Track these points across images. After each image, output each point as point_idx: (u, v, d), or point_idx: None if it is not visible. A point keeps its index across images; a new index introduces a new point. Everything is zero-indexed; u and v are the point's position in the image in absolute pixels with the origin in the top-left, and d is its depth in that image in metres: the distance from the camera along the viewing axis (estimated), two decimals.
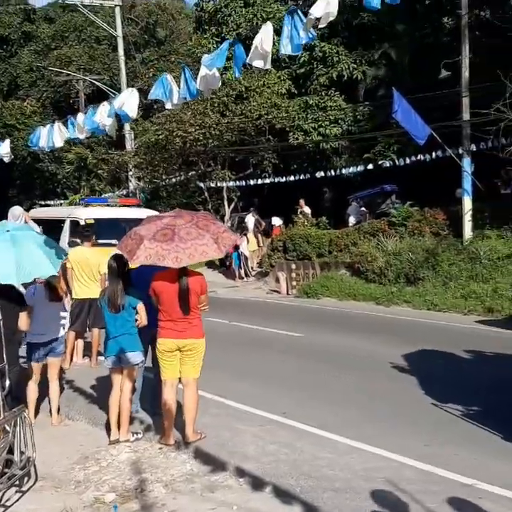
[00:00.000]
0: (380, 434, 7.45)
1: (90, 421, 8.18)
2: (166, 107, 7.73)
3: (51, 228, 15.10)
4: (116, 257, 7.40)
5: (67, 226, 16.44)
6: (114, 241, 14.46)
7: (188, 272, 6.96)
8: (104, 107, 7.80)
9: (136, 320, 7.29)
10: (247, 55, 6.32)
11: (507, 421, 7.79)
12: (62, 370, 9.25)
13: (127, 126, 30.12)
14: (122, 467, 6.61)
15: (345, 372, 10.78)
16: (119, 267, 7.31)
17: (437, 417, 8.20)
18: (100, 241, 13.91)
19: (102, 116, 7.77)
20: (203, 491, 5.94)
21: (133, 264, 7.04)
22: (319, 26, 6.16)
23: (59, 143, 8.89)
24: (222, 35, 29.77)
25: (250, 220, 28.20)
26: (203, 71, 6.90)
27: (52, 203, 39.20)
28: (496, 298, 17.34)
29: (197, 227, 6.85)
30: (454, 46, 21.29)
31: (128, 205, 18.50)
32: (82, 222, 15.86)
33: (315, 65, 28.02)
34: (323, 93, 27.72)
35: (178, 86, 7.31)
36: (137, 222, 15.07)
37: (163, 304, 6.94)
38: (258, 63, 6.26)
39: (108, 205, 18.31)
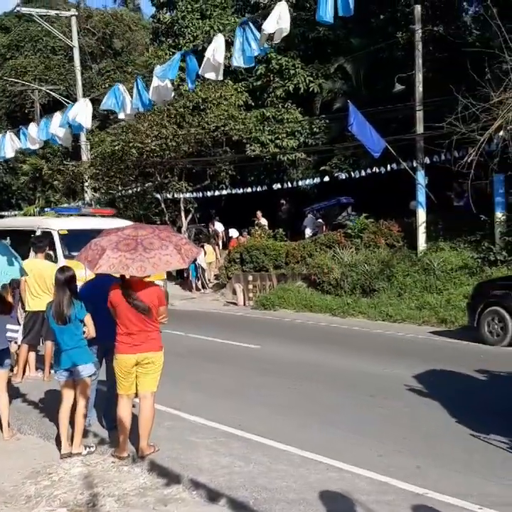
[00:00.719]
0: (334, 445, 7.47)
1: (43, 435, 8.05)
2: (119, 117, 7.71)
3: (19, 240, 14.48)
4: (63, 269, 7.37)
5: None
6: None
7: (145, 283, 6.90)
8: (57, 118, 7.74)
9: (84, 332, 7.22)
10: (200, 67, 6.34)
11: (458, 432, 7.90)
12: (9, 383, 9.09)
13: (83, 137, 29.89)
14: (74, 481, 6.50)
15: (301, 383, 10.80)
16: (65, 279, 7.23)
17: (391, 427, 8.27)
18: (74, 254, 13.36)
19: (56, 126, 7.71)
20: (155, 504, 5.89)
21: (95, 272, 6.94)
22: (274, 42, 6.22)
23: (10, 153, 8.81)
24: (179, 46, 29.78)
25: (219, 226, 28.59)
26: (156, 82, 6.90)
27: (6, 213, 38.63)
28: (450, 309, 17.59)
29: (159, 238, 6.83)
30: (407, 61, 21.62)
31: (102, 216, 17.77)
32: (54, 234, 15.17)
33: (272, 78, 28.22)
34: (280, 105, 27.90)
35: (132, 96, 7.29)
36: None
37: (119, 316, 6.86)
38: (210, 75, 6.30)
39: (82, 215, 17.51)
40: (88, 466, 6.91)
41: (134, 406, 7.34)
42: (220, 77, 6.18)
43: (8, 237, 15.59)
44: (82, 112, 7.76)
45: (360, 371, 11.70)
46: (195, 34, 30.31)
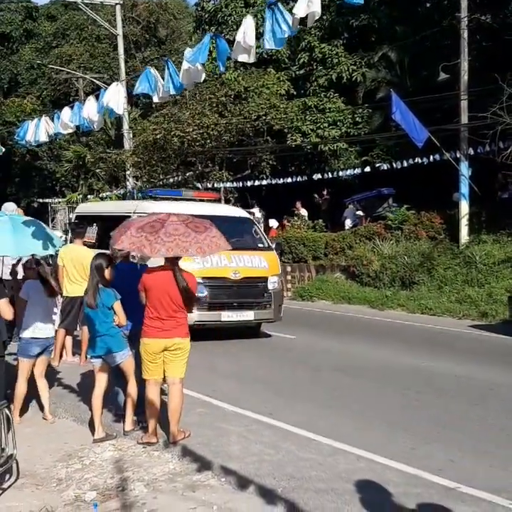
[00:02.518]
0: (365, 436, 7.40)
1: (76, 419, 8.13)
2: (153, 100, 7.70)
3: (110, 227, 13.36)
4: (96, 256, 7.46)
5: None
6: None
7: (181, 270, 6.93)
8: (90, 103, 7.76)
9: (114, 320, 7.26)
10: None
11: (494, 426, 7.78)
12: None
13: (126, 125, 30.08)
14: (105, 465, 6.55)
15: (335, 374, 10.75)
16: (95, 266, 7.26)
17: (424, 419, 8.18)
18: None
19: (90, 111, 7.73)
20: (184, 490, 5.89)
21: (116, 247, 6.98)
22: (308, 25, 6.14)
23: (43, 137, 8.85)
24: (222, 34, 29.72)
25: (257, 211, 28.41)
26: (186, 65, 6.86)
27: (50, 201, 39.17)
28: (491, 303, 17.32)
29: (187, 226, 6.83)
30: (452, 49, 21.25)
31: (206, 200, 16.03)
32: None
33: (314, 67, 27.96)
34: (322, 95, 27.64)
35: (164, 80, 7.28)
36: (226, 221, 13.38)
37: (151, 300, 6.88)
38: (243, 57, 6.24)
39: (183, 199, 15.32)
40: (119, 450, 6.95)
41: (163, 393, 7.36)
42: (252, 59, 6.12)
43: (94, 224, 15.07)
44: (114, 98, 7.77)
45: (396, 363, 11.58)
46: (238, 22, 30.19)
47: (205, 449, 6.86)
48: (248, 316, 13.41)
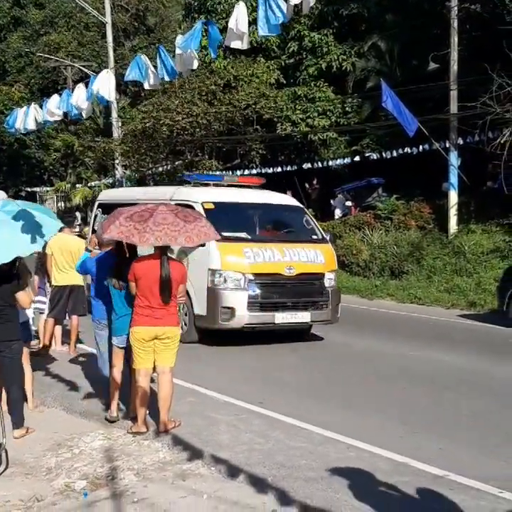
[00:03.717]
0: (354, 424, 7.43)
1: (65, 408, 8.10)
2: (145, 87, 7.66)
3: None
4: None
5: None
6: (243, 234, 12.18)
7: (170, 259, 6.94)
8: (79, 90, 7.70)
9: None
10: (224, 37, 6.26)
11: (484, 415, 7.83)
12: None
13: (114, 114, 29.93)
14: (95, 455, 6.53)
15: (323, 363, 10.79)
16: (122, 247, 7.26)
17: (412, 408, 8.22)
18: (225, 234, 10.75)
19: (79, 98, 7.67)
20: (174, 479, 5.89)
21: (105, 236, 6.96)
22: (302, 13, 6.12)
23: (32, 125, 8.78)
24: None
25: None
26: (179, 51, 6.84)
27: (38, 189, 38.99)
28: (479, 292, 17.39)
29: (176, 215, 6.84)
30: (443, 39, 21.23)
31: (250, 186, 14.03)
32: (198, 208, 11.29)
33: (304, 56, 27.87)
34: (312, 84, 27.58)
35: (155, 67, 7.24)
36: (276, 209, 13.09)
37: (141, 289, 6.86)
38: (236, 44, 6.24)
39: (228, 185, 13.67)
40: (109, 439, 6.93)
41: (152, 381, 7.35)
42: (246, 46, 6.12)
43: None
44: (104, 85, 7.72)
45: (385, 352, 11.63)
46: (228, 11, 30.03)
47: (195, 438, 6.86)
48: (304, 317, 11.86)
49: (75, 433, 7.14)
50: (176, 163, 29.47)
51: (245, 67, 27.54)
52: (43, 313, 11.18)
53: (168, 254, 6.98)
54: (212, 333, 11.77)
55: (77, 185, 34.76)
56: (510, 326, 13.97)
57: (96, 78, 7.39)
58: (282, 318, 11.62)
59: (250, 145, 28.29)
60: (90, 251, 8.47)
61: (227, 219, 11.79)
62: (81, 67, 35.38)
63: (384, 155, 23.97)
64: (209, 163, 28.01)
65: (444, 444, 6.79)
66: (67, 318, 11.41)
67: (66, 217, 12.21)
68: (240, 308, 11.35)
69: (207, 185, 13.52)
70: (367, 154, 25.05)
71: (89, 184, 34.38)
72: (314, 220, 13.55)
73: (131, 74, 7.06)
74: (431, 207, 22.00)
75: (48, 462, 6.36)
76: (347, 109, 27.12)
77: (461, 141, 20.83)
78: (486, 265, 18.73)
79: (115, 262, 7.31)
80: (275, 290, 11.73)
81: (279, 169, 27.37)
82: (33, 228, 6.77)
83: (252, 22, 8.41)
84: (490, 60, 17.71)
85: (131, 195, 14.51)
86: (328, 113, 27.25)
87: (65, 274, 11.00)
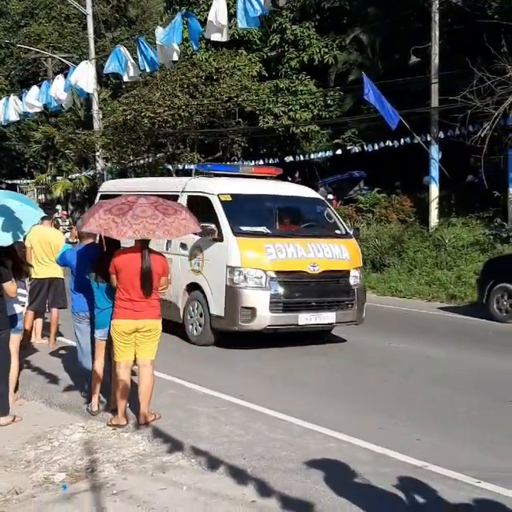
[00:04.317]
0: (334, 416, 7.46)
1: (45, 401, 8.07)
2: (124, 79, 7.62)
3: None
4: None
5: (184, 204, 10.39)
6: (263, 229, 11.30)
7: (151, 251, 6.91)
8: (58, 81, 7.65)
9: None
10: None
11: (464, 407, 7.89)
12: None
13: (95, 106, 29.77)
14: (74, 447, 6.52)
15: (302, 354, 10.80)
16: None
17: (391, 399, 8.27)
18: (244, 229, 10.77)
19: (58, 90, 7.63)
20: (154, 471, 5.89)
21: (84, 229, 6.92)
22: (280, 5, 6.12)
23: (14, 116, 8.72)
24: (194, 14, 29.44)
25: None
26: (159, 44, 6.81)
27: (18, 182, 38.69)
28: (460, 285, 17.51)
29: (155, 208, 6.81)
30: (424, 32, 21.30)
31: (266, 176, 13.02)
32: (214, 200, 11.08)
33: (286, 48, 27.82)
34: (294, 77, 27.55)
35: (135, 59, 7.21)
36: (296, 202, 12.23)
37: (122, 281, 6.84)
38: (216, 36, 6.23)
39: (243, 176, 12.76)
40: (88, 432, 6.92)
41: (134, 374, 7.34)
42: (225, 38, 6.11)
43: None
44: (83, 76, 7.67)
45: (364, 344, 11.67)
46: (209, 2, 29.90)
47: (175, 430, 6.85)
48: (329, 318, 11.06)
49: (55, 426, 7.12)
50: (158, 155, 29.37)
51: (227, 59, 27.45)
52: (23, 306, 11.09)
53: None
54: (229, 335, 11.11)
55: (58, 178, 34.53)
56: (489, 319, 14.09)
57: (75, 69, 7.35)
58: (306, 319, 10.84)
59: (232, 138, 28.25)
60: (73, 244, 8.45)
61: (245, 212, 11.30)
62: (62, 59, 35.12)
63: (366, 148, 24.02)
64: (191, 155, 27.92)
65: (421, 435, 6.84)
66: (47, 310, 11.36)
67: (46, 209, 12.08)
68: (262, 308, 10.57)
69: (223, 175, 12.56)
70: (348, 147, 25.09)
71: (69, 176, 34.18)
72: (336, 214, 12.71)
73: (110, 66, 7.02)
74: (412, 200, 22.11)
75: (27, 455, 6.34)
76: (329, 102, 27.11)
77: (442, 135, 20.92)
78: (466, 258, 18.85)
79: (95, 255, 7.29)
80: (298, 289, 10.92)
81: (261, 162, 27.33)
82: (14, 218, 6.74)
83: (233, 14, 8.37)
84: (471, 53, 17.80)
85: (134, 187, 13.39)
86: (310, 106, 27.25)
87: (45, 267, 10.94)
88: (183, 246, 11.23)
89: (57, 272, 10.82)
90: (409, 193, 22.33)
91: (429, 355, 10.79)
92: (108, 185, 15.77)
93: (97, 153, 30.54)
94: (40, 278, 10.97)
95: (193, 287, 11.33)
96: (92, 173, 32.35)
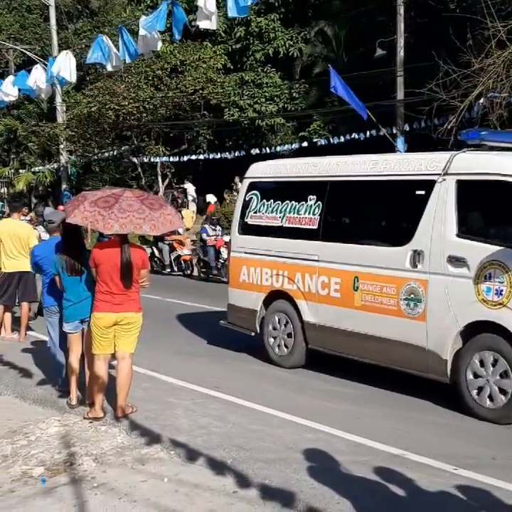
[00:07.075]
0: (311, 407, 7.53)
1: (18, 395, 8.01)
2: (108, 69, 7.56)
3: (385, 206, 8.68)
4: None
5: (452, 195, 7.42)
6: None
7: (130, 244, 6.90)
8: (38, 71, 7.56)
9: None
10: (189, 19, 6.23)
11: (440, 396, 8.00)
12: None
13: (59, 98, 29.41)
14: (51, 441, 6.47)
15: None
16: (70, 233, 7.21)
17: (367, 389, 8.34)
18: None
19: (38, 80, 7.54)
20: (133, 463, 5.88)
21: (69, 221, 6.86)
22: None
23: None
24: (158, 7, 29.22)
25: (190, 187, 28.20)
26: (143, 32, 6.77)
27: None
28: None
29: (141, 203, 6.81)
30: (389, 25, 21.44)
31: None
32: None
33: (251, 41, 27.79)
34: (259, 69, 27.57)
35: (117, 49, 7.16)
36: None
37: (102, 275, 6.81)
38: (205, 24, 6.19)
39: None
40: (65, 426, 6.88)
41: (112, 367, 7.31)
42: (214, 26, 6.11)
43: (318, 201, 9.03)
44: (65, 67, 7.60)
45: None
46: None
47: (153, 423, 6.85)
48: None
49: (30, 420, 7.07)
50: (122, 148, 29.20)
51: (192, 52, 27.30)
52: None
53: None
54: None
55: (21, 171, 34.05)
56: None
57: (55, 60, 7.32)
58: None
59: (197, 130, 28.20)
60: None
61: None
62: (23, 50, 34.60)
63: (331, 141, 24.10)
64: (156, 148, 27.79)
65: (398, 424, 6.94)
66: (16, 304, 11.24)
67: (14, 202, 11.94)
68: None
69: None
70: (314, 140, 25.15)
71: (32, 170, 33.71)
72: None
73: (93, 56, 6.95)
74: None
75: (4, 450, 6.28)
76: (294, 94, 27.18)
77: (407, 128, 21.08)
78: None
79: (63, 249, 7.26)
80: None
81: (227, 155, 27.31)
82: None
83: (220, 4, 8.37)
84: (436, 46, 17.93)
85: (313, 170, 9.35)
86: (275, 99, 27.29)
87: (15, 261, 10.84)
88: (458, 261, 7.29)
89: (26, 265, 10.67)
90: None
91: None
92: (262, 170, 10.27)
93: (61, 146, 30.19)
94: (10, 272, 10.86)
95: (480, 329, 7.21)
96: (55, 166, 31.96)
